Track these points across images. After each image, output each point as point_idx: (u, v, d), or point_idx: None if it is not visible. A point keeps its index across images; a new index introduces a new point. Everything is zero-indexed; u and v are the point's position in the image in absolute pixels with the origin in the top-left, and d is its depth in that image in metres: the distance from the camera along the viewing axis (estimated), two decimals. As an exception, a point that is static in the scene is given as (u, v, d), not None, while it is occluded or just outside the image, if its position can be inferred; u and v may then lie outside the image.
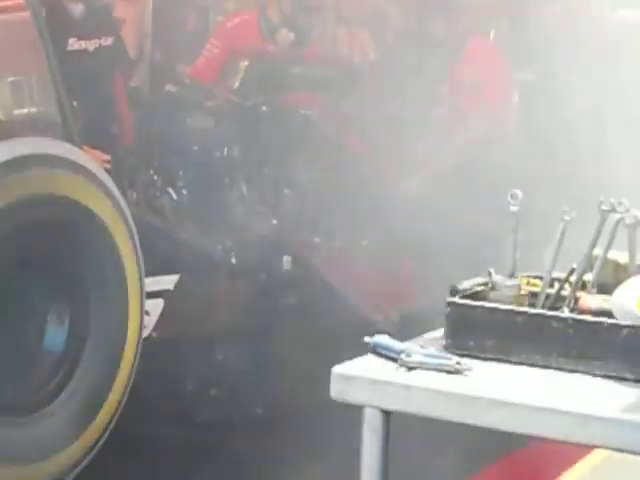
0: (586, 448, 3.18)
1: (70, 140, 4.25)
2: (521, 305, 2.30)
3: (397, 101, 6.10)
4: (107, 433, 4.12)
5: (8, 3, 4.38)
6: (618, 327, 2.14)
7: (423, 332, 2.44)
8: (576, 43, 6.06)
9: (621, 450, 2.04)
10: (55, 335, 4.02)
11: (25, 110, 4.39)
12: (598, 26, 6.64)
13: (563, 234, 2.34)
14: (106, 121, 5.58)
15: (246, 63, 5.86)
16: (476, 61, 6.11)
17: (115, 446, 4.11)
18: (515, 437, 2.19)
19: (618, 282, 2.27)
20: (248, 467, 4.34)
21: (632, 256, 2.35)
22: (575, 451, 4.15)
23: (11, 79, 4.36)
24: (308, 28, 6.23)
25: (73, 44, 5.38)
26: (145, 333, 4.33)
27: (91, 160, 4.02)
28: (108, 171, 4.44)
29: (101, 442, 4.09)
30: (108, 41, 5.65)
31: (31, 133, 3.94)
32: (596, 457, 4.12)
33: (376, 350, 2.26)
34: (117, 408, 4.12)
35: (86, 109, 5.19)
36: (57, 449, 3.92)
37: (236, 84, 5.83)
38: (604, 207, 2.30)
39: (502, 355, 2.22)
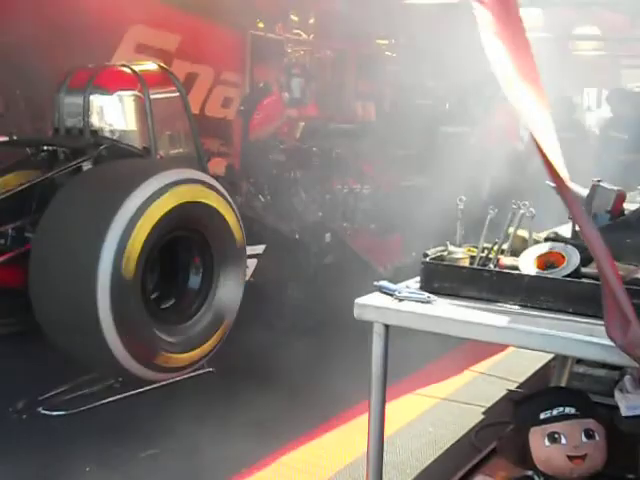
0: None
1: (203, 170, 4.25)
2: (465, 263, 2.28)
3: (391, 142, 6.07)
4: (227, 334, 4.15)
5: (169, 87, 4.38)
6: (522, 276, 2.12)
7: (407, 278, 2.42)
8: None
9: (518, 346, 2.03)
10: (194, 280, 4.02)
11: (176, 151, 4.41)
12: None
13: (489, 221, 2.32)
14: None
15: (303, 123, 5.86)
16: None
17: (231, 342, 4.14)
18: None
19: (523, 249, 2.25)
20: (306, 356, 4.35)
21: (530, 234, 2.33)
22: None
23: (168, 133, 4.36)
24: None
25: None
26: (247, 279, 4.34)
27: (215, 181, 4.02)
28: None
29: (224, 338, 4.12)
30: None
31: (180, 165, 3.94)
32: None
33: (380, 289, 2.24)
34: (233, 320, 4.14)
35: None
36: (200, 343, 3.94)
37: (298, 135, 5.82)
38: (514, 206, 2.28)
39: (454, 292, 2.19)
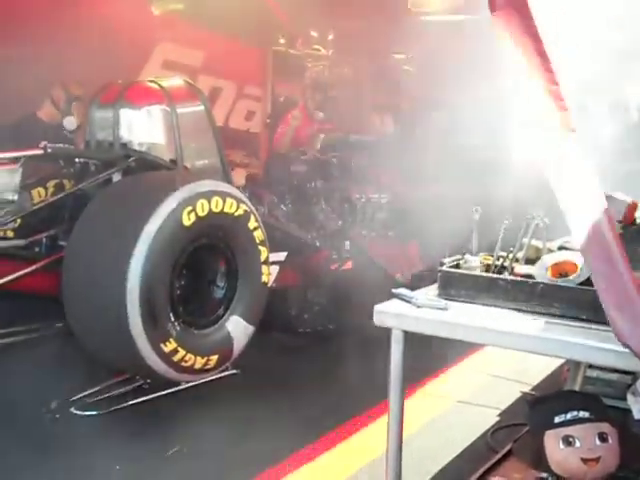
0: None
1: (227, 180, 4.25)
2: (480, 271, 2.27)
3: (406, 153, 6.04)
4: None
5: (194, 102, 4.40)
6: (537, 284, 2.11)
7: (424, 285, 2.41)
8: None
9: (532, 352, 2.02)
10: (217, 289, 4.01)
11: (202, 162, 4.41)
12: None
13: (504, 231, 2.31)
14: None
15: (322, 135, 5.86)
16: None
17: (254, 345, 4.13)
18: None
19: (537, 258, 2.24)
20: (326, 359, 4.35)
21: (544, 243, 2.32)
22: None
23: (193, 145, 4.37)
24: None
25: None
26: (269, 285, 4.32)
27: (238, 191, 4.01)
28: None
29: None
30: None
31: (205, 176, 3.95)
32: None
33: (398, 296, 2.24)
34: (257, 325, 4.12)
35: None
36: (224, 346, 3.93)
37: (318, 146, 5.82)
38: (528, 216, 2.27)
39: (469, 300, 2.19)
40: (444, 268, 2.27)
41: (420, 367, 3.74)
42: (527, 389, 4.06)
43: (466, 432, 3.57)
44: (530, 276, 2.15)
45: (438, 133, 5.87)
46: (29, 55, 4.52)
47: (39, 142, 3.83)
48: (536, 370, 4.21)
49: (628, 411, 2.77)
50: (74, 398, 3.70)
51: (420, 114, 6.70)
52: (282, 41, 6.80)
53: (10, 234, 3.88)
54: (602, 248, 1.69)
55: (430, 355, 3.68)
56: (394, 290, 2.25)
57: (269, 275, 4.14)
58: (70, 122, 4.71)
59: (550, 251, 2.30)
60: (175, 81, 4.52)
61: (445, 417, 3.81)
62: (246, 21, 5.85)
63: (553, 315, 2.05)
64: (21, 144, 3.87)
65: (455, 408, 3.93)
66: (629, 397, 2.85)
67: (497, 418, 3.73)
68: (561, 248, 2.34)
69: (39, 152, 3.88)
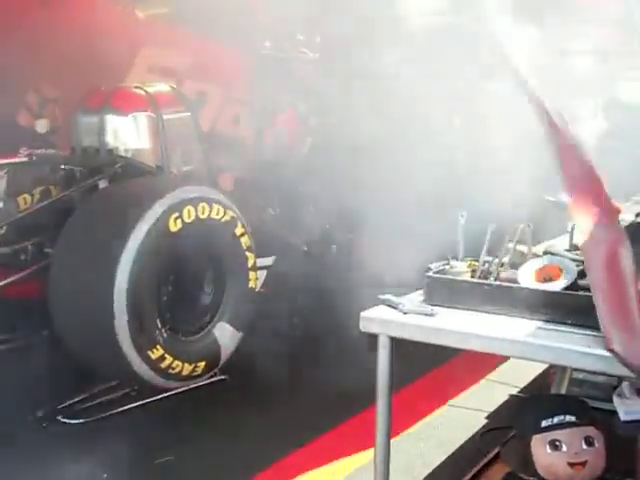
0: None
1: (212, 186, 4.25)
2: (466, 277, 2.27)
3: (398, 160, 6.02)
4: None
5: (180, 107, 4.39)
6: (522, 288, 2.11)
7: (411, 290, 2.40)
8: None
9: (517, 357, 2.02)
10: (204, 296, 4.00)
11: (188, 168, 4.41)
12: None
13: (490, 236, 2.31)
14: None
15: (309, 139, 5.84)
16: None
17: (243, 351, 4.12)
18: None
19: (522, 263, 2.24)
20: (316, 364, 4.34)
21: (529, 248, 2.32)
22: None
23: (179, 150, 4.37)
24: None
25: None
26: (257, 289, 4.31)
27: (224, 197, 4.00)
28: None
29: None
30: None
31: (191, 182, 3.94)
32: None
33: (385, 302, 2.23)
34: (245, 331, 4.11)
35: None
36: (212, 353, 3.91)
37: (305, 150, 5.81)
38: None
39: (456, 305, 2.18)
40: (430, 274, 2.26)
41: (409, 370, 3.76)
42: (515, 391, 4.07)
43: (455, 435, 3.58)
44: (515, 281, 2.14)
45: (423, 134, 5.86)
46: (10, 61, 4.49)
47: (19, 148, 3.81)
48: (524, 373, 4.21)
49: (614, 413, 2.79)
50: (61, 406, 3.69)
51: (406, 116, 6.69)
52: (268, 44, 6.78)
53: (-4, 242, 3.86)
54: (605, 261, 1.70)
55: (418, 358, 3.67)
56: (380, 296, 2.24)
57: (257, 280, 4.13)
58: (41, 125, 4.69)
59: (535, 256, 2.30)
60: (161, 87, 4.52)
61: (434, 419, 3.82)
62: (232, 25, 5.83)
63: (538, 320, 2.04)
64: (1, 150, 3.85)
65: (444, 410, 3.93)
66: (615, 399, 2.87)
67: (486, 421, 3.74)
68: (546, 253, 2.34)
69: (24, 159, 3.86)
